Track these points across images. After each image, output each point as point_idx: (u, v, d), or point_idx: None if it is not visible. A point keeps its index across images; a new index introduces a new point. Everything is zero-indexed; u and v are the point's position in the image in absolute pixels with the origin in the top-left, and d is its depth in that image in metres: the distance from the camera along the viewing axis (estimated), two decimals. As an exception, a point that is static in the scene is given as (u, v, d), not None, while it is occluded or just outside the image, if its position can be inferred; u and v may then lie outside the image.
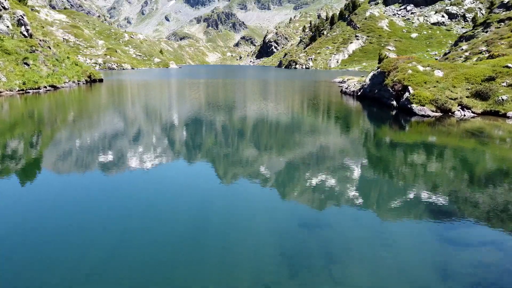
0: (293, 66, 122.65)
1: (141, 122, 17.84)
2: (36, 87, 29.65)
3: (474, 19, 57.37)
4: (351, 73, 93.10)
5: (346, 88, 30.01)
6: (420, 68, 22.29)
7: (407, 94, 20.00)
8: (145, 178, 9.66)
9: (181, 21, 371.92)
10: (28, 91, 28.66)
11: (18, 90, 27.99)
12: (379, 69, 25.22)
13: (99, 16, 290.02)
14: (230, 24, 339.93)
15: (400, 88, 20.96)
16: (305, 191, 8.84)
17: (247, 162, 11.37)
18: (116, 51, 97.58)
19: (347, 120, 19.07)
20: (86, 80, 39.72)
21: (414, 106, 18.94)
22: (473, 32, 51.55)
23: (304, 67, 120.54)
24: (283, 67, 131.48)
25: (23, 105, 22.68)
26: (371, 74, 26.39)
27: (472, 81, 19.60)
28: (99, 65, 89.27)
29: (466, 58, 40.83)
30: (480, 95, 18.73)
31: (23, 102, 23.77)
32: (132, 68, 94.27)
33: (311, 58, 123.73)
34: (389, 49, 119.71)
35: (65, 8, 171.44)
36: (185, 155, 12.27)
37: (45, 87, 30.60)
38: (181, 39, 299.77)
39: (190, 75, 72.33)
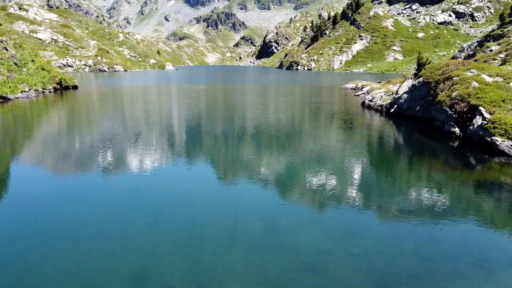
0: (294, 67, 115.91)
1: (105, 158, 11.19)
2: (-24, 99, 22.92)
3: (502, 16, 50.59)
4: (356, 75, 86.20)
5: (370, 101, 23.21)
6: (487, 78, 15.56)
7: (479, 119, 13.26)
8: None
9: (181, 21, 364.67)
10: (-38, 105, 21.95)
11: (-51, 105, 21.31)
12: (420, 78, 18.46)
13: (97, 16, 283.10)
14: (230, 24, 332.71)
15: (464, 109, 14.22)
16: None
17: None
18: (108, 52, 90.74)
19: (387, 157, 12.35)
20: (54, 88, 32.95)
21: (498, 140, 12.19)
22: (502, 31, 44.77)
23: (306, 68, 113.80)
24: (284, 68, 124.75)
25: None
26: (408, 84, 19.65)
27: None
28: (89, 67, 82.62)
29: (504, 61, 34.12)
30: None
31: None
32: (125, 70, 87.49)
33: (313, 59, 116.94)
34: (395, 50, 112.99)
35: (57, 7, 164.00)
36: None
37: (-11, 99, 23.87)
38: (180, 39, 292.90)
39: (186, 78, 65.47)
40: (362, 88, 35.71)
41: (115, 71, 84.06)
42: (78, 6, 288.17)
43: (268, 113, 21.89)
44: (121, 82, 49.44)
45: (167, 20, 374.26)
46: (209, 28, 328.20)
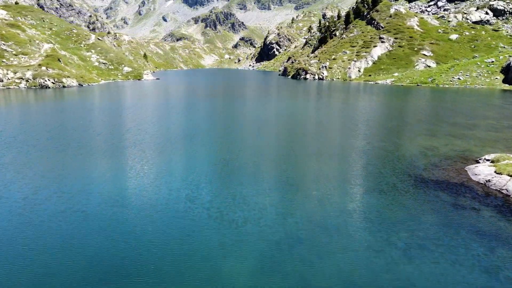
0: (302, 76, 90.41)
1: None
2: None
3: None
4: (385, 90, 60.92)
5: None
6: None
7: None
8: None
9: (179, 22, 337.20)
10: None
11: None
12: None
13: (90, 16, 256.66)
14: (229, 25, 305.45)
15: None
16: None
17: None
18: (59, 60, 65.05)
19: None
20: None
21: None
22: None
23: (316, 77, 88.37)
24: (289, 76, 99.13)
25: None
26: None
27: None
28: (27, 81, 57.01)
29: None
30: None
31: None
32: (80, 85, 61.84)
33: (325, 66, 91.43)
34: (425, 55, 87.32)
35: (27, 4, 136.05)
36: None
37: None
38: (178, 40, 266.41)
39: (155, 116, 38.32)
40: None
41: (64, 86, 58.53)
42: (70, 5, 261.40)
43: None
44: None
45: (165, 20, 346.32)
46: (208, 28, 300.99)
